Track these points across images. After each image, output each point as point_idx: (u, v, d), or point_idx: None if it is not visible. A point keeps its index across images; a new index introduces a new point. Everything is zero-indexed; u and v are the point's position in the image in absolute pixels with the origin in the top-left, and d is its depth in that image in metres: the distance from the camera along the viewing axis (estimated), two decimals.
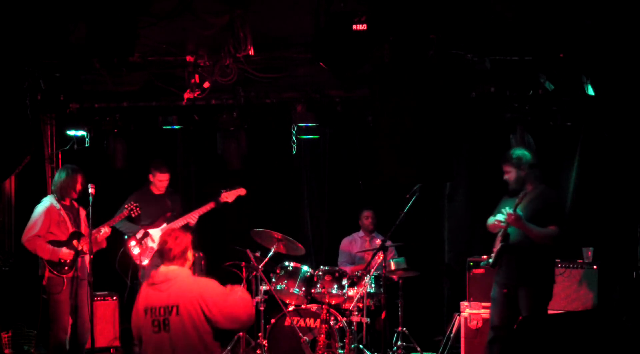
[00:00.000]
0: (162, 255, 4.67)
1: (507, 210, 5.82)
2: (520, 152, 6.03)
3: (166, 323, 4.49)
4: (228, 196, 7.46)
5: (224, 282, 4.79)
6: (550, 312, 6.62)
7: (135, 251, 7.28)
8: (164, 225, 7.32)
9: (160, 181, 7.44)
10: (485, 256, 6.19)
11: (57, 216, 6.60)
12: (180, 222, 7.30)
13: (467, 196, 8.11)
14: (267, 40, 6.48)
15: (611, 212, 7.23)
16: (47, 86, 7.04)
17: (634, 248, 6.70)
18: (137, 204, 7.06)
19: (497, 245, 5.96)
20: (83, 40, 5.73)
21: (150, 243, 7.23)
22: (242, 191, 7.52)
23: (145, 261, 7.24)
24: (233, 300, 4.63)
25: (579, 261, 6.91)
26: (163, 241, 4.70)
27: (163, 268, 4.66)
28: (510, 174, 6.01)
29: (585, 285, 6.78)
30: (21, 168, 7.13)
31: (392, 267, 7.27)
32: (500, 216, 5.91)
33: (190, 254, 4.73)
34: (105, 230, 6.83)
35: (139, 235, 7.27)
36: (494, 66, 6.53)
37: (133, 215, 7.08)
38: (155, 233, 7.28)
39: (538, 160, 6.13)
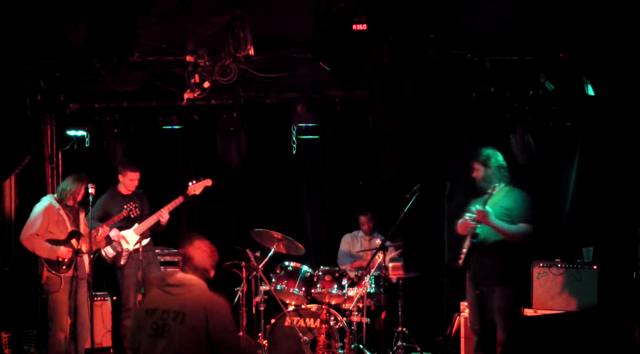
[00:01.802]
0: (185, 259, 4.45)
1: (477, 207, 5.84)
2: (490, 152, 6.09)
3: (165, 328, 4.22)
4: (195, 188, 7.42)
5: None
6: (549, 312, 6.65)
7: (109, 253, 7.21)
8: (136, 225, 7.26)
9: (131, 181, 7.33)
10: (461, 262, 6.10)
11: (55, 216, 6.61)
12: (151, 220, 7.22)
13: (467, 196, 8.08)
14: (267, 40, 6.47)
15: (611, 212, 7.22)
16: (47, 86, 7.04)
17: (634, 248, 6.69)
18: (136, 205, 7.05)
19: (467, 245, 5.94)
20: (83, 40, 5.73)
21: (125, 245, 7.19)
22: (208, 182, 7.48)
23: (122, 262, 7.19)
24: (231, 336, 4.38)
25: (578, 261, 6.91)
26: (193, 247, 4.50)
27: (180, 274, 4.47)
28: (478, 172, 6.07)
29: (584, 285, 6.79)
30: (21, 168, 7.12)
31: (392, 267, 7.25)
32: (469, 215, 5.91)
33: (212, 273, 4.50)
34: (103, 230, 6.83)
35: (112, 234, 7.17)
36: (494, 66, 6.53)
37: (132, 216, 7.07)
38: (128, 234, 7.22)
39: (508, 163, 6.15)
